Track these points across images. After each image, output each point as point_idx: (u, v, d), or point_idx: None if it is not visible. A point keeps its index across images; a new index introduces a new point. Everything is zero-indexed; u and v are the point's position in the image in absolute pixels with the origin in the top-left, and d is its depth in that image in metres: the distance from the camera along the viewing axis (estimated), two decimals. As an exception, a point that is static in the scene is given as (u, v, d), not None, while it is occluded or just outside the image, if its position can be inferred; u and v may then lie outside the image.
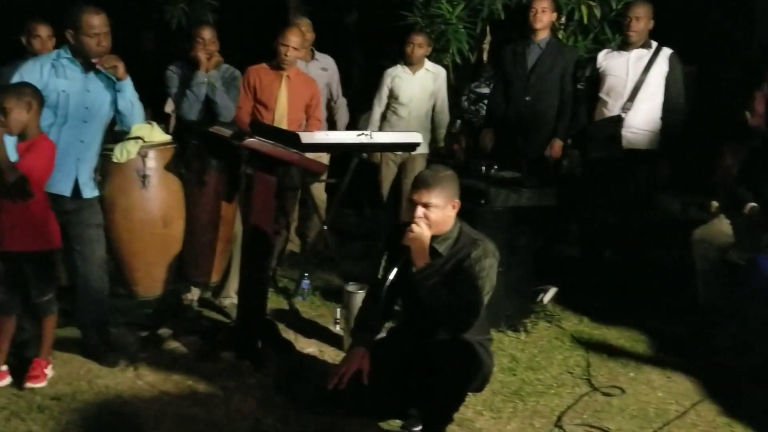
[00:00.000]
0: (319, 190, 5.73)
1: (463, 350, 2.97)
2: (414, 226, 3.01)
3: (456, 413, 3.27)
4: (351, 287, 4.20)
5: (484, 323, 3.28)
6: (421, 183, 3.06)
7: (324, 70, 5.79)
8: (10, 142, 3.41)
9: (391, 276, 3.04)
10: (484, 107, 6.88)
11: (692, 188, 6.51)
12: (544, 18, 5.16)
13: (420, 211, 3.04)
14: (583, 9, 5.79)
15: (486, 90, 6.99)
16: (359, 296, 4.09)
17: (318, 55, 5.82)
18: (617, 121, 4.89)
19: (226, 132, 3.91)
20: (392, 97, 5.65)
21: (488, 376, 3.27)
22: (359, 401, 3.17)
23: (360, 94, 7.24)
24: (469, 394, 3.32)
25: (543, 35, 5.20)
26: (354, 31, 9.03)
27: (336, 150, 5.07)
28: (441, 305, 2.95)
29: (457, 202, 3.11)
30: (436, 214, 3.04)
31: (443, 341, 2.97)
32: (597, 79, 5.08)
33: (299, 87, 5.03)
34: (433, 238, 3.09)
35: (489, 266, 3.06)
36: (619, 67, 4.94)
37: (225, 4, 8.07)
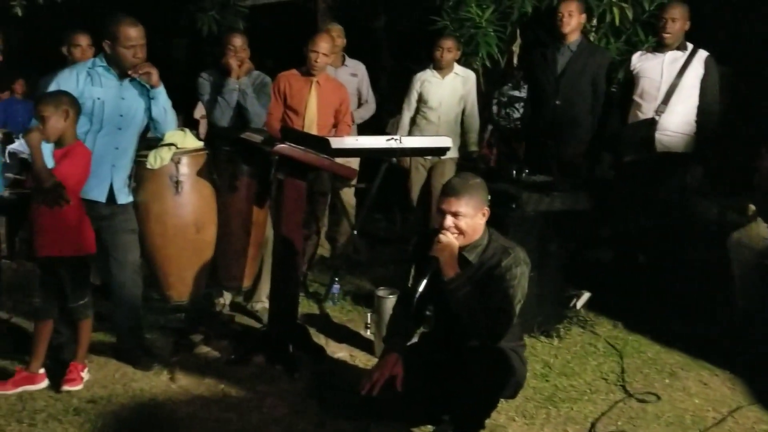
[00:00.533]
0: (348, 195, 5.75)
1: (495, 357, 2.95)
2: (442, 236, 2.99)
3: (488, 419, 3.25)
4: (381, 292, 4.20)
5: (517, 330, 3.25)
6: (450, 192, 3.03)
7: (354, 76, 5.82)
8: (47, 149, 3.47)
9: (421, 287, 3.02)
10: (515, 110, 6.87)
11: (729, 191, 6.41)
12: (571, 22, 5.11)
13: (449, 220, 3.02)
14: (615, 10, 5.73)
15: (516, 93, 6.97)
16: (390, 301, 4.09)
17: (348, 60, 5.85)
18: (651, 124, 4.82)
19: (257, 138, 3.94)
20: (421, 101, 5.65)
21: (521, 383, 3.25)
22: (392, 406, 3.16)
23: (389, 99, 7.26)
24: (502, 400, 3.31)
25: (573, 38, 5.16)
26: (383, 36, 9.05)
27: (365, 155, 5.08)
28: (472, 316, 2.93)
29: (486, 210, 3.09)
30: (466, 222, 3.02)
31: (475, 347, 2.94)
32: (630, 81, 5.01)
33: (329, 92, 5.05)
34: (463, 246, 3.07)
35: (520, 274, 3.03)
36: (654, 69, 4.87)
37: (255, 11, 8.15)
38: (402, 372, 3.08)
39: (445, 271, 2.99)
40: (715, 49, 4.96)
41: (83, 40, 4.63)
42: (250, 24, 7.91)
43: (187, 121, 5.73)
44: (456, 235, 3.01)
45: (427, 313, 3.46)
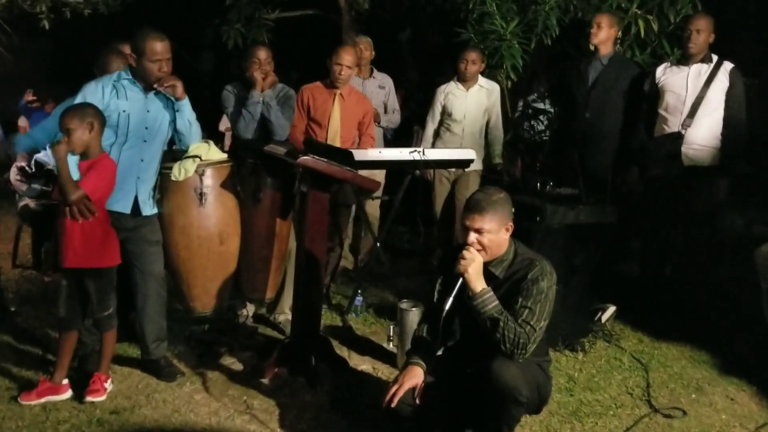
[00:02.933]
0: (373, 207, 5.75)
1: (519, 371, 2.92)
2: (465, 253, 2.96)
3: (511, 433, 3.22)
4: (404, 305, 4.19)
5: (543, 344, 3.21)
6: (474, 208, 3.00)
7: (381, 88, 5.85)
8: (73, 161, 3.51)
9: (448, 305, 2.99)
10: (540, 123, 6.82)
11: (757, 203, 6.32)
12: (599, 34, 5.09)
13: (473, 236, 2.99)
14: (641, 23, 5.68)
15: (541, 105, 6.93)
16: (413, 314, 4.08)
17: (376, 73, 5.88)
18: (677, 138, 4.77)
19: (281, 150, 3.95)
20: (445, 113, 5.65)
21: (546, 399, 3.21)
22: (415, 420, 3.14)
23: (415, 111, 7.27)
24: (526, 415, 3.27)
25: (605, 51, 5.13)
26: (408, 48, 9.05)
27: (389, 167, 5.07)
28: (499, 331, 2.90)
29: (510, 225, 3.06)
30: (490, 239, 2.99)
31: (499, 362, 2.91)
32: (655, 94, 4.97)
33: (352, 105, 5.06)
34: (489, 261, 3.04)
35: (547, 288, 3.00)
36: (679, 82, 4.82)
37: (280, 23, 8.20)
38: (422, 384, 3.06)
39: (471, 287, 2.97)
40: (744, 59, 4.90)
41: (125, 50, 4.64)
42: (275, 37, 7.99)
43: (213, 134, 5.76)
44: (480, 250, 2.99)
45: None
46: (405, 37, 9.03)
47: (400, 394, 3.03)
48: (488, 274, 3.04)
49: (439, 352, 3.48)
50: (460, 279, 2.96)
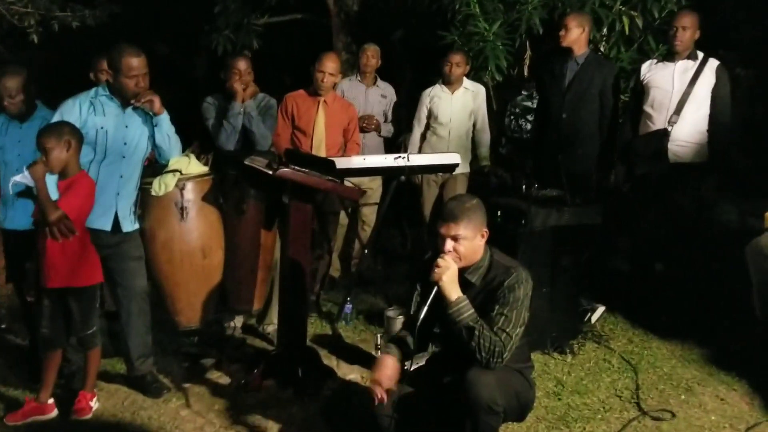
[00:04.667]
0: (369, 213, 5.67)
1: (494, 381, 2.90)
2: (440, 261, 2.95)
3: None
4: (391, 312, 4.19)
5: (524, 350, 3.20)
6: (448, 216, 3.00)
7: (383, 97, 5.82)
8: (51, 181, 3.49)
9: (422, 314, 2.98)
10: (527, 122, 6.80)
11: (750, 195, 6.29)
12: (568, 36, 5.01)
13: (449, 244, 2.98)
14: (625, 20, 5.66)
15: (529, 104, 6.92)
16: (399, 321, 4.07)
17: (380, 82, 5.85)
18: (663, 135, 4.75)
19: (261, 162, 3.93)
20: (431, 117, 5.63)
21: (528, 405, 3.19)
22: (401, 430, 3.12)
23: (409, 112, 7.23)
24: (513, 423, 3.26)
25: (580, 51, 5.09)
26: (401, 49, 9.02)
27: (373, 174, 5.05)
28: (475, 339, 2.88)
29: (485, 231, 3.04)
30: (466, 246, 2.98)
31: (473, 372, 2.90)
32: (641, 91, 4.94)
33: (336, 112, 5.05)
34: (465, 268, 3.03)
35: (524, 295, 2.98)
36: (664, 79, 4.80)
37: (271, 29, 8.18)
38: (395, 375, 3.05)
39: (446, 295, 2.95)
40: (740, 52, 4.87)
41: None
42: (266, 42, 7.97)
43: (207, 139, 5.64)
44: (455, 258, 2.97)
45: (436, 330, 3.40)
46: (398, 37, 8.99)
47: (383, 389, 3.01)
48: (465, 282, 3.03)
49: (422, 362, 3.48)
50: (435, 288, 2.95)
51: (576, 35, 5.02)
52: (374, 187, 5.57)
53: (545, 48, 6.12)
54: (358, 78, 5.82)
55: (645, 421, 3.67)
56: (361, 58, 5.84)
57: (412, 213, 5.93)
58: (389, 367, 3.08)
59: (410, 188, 5.69)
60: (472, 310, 2.93)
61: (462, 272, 3.03)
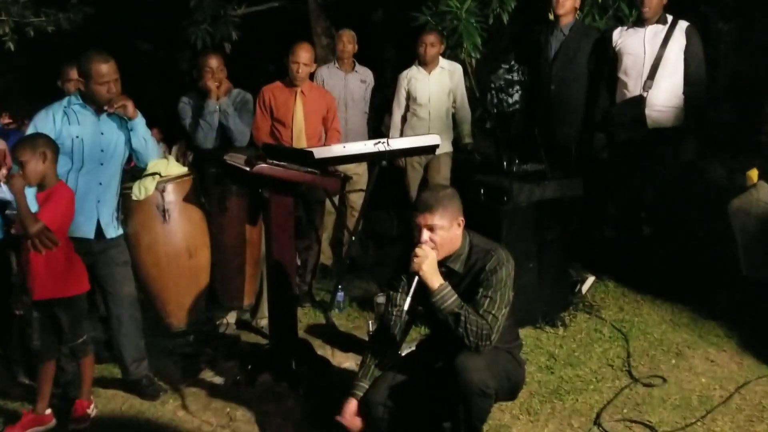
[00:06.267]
0: (356, 198, 5.67)
1: (484, 364, 2.92)
2: (418, 250, 2.95)
3: (490, 420, 3.24)
4: (381, 298, 4.20)
5: (512, 329, 3.22)
6: (423, 206, 3.00)
7: (363, 82, 5.79)
8: (30, 193, 3.50)
9: (406, 306, 3.01)
10: (513, 93, 6.78)
11: (737, 152, 6.29)
12: (566, 4, 5.04)
13: (425, 234, 2.99)
14: (598, -14, 5.66)
15: (510, 76, 6.88)
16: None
17: (358, 67, 5.82)
18: (639, 102, 4.76)
19: (240, 159, 3.93)
20: (410, 99, 5.62)
21: (519, 384, 3.21)
22: (394, 419, 3.15)
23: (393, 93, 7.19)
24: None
25: (566, 21, 5.08)
26: (382, 30, 8.95)
27: (354, 161, 5.06)
28: (461, 324, 2.90)
29: (461, 220, 3.05)
30: (441, 235, 2.98)
31: (463, 357, 2.92)
32: (614, 58, 4.93)
33: (314, 101, 5.04)
34: (447, 258, 3.05)
35: (506, 276, 2.99)
36: (636, 45, 4.80)
37: (250, 18, 8.11)
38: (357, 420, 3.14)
39: (428, 284, 2.96)
40: (720, 6, 4.84)
41: (75, 75, 4.62)
42: (246, 33, 7.91)
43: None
44: (432, 247, 2.98)
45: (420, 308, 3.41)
46: (378, 17, 8.93)
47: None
48: (449, 271, 3.05)
49: (413, 348, 3.50)
50: (416, 277, 2.96)
51: (572, 4, 5.02)
52: (360, 172, 5.58)
53: (525, 19, 6.09)
54: (336, 65, 5.80)
55: (636, 389, 3.71)
56: (337, 45, 5.81)
57: (400, 196, 5.92)
58: (349, 412, 3.16)
59: (396, 171, 5.70)
60: (456, 296, 2.94)
61: (444, 261, 3.05)
